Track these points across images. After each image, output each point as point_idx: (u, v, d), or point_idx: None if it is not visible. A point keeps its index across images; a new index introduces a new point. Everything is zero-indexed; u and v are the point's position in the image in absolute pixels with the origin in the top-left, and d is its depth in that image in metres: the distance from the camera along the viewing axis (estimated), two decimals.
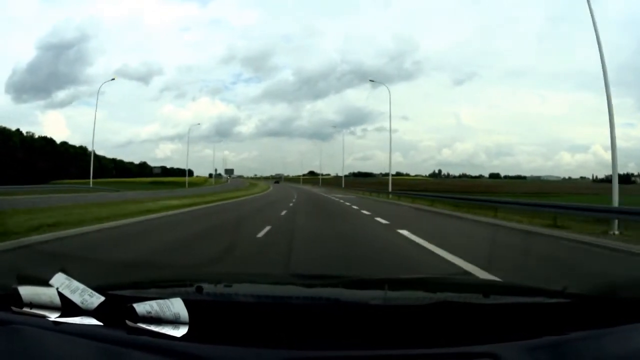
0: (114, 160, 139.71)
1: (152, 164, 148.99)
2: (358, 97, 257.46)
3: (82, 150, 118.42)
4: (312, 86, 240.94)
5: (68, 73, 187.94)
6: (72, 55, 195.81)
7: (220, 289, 1.93)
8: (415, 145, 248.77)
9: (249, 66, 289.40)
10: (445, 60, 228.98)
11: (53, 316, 1.22)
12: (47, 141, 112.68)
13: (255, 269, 5.90)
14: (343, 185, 70.90)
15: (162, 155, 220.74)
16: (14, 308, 1.27)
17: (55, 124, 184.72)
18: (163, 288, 1.80)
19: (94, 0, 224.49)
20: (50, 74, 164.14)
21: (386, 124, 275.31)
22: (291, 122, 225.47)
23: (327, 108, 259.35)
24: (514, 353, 1.12)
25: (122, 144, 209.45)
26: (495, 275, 5.12)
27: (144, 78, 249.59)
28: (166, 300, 1.17)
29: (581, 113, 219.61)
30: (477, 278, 4.95)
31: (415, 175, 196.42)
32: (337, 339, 1.17)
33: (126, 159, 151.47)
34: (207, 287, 1.74)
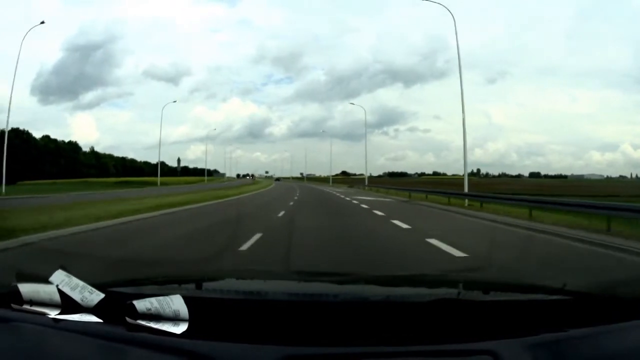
0: (123, 159, 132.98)
1: (182, 164, 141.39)
2: (390, 96, 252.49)
3: (69, 146, 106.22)
4: (344, 86, 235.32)
5: (95, 74, 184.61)
6: (99, 56, 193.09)
7: (220, 285, 1.92)
8: (447, 145, 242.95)
9: (279, 66, 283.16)
10: (477, 58, 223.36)
11: (53, 313, 1.22)
12: (16, 133, 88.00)
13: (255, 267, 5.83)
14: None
15: (193, 156, 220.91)
16: (13, 305, 1.27)
17: (84, 125, 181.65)
18: (163, 285, 1.81)
19: (120, 1, 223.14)
20: (77, 76, 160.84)
21: (418, 124, 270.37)
22: (323, 123, 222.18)
23: (359, 108, 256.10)
24: (513, 350, 1.11)
25: (152, 146, 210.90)
26: (495, 273, 5.11)
27: (173, 79, 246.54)
28: (166, 297, 1.17)
29: (609, 111, 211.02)
30: (477, 275, 4.91)
31: (453, 175, 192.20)
32: (337, 335, 1.16)
33: (153, 160, 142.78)
34: (206, 284, 1.74)
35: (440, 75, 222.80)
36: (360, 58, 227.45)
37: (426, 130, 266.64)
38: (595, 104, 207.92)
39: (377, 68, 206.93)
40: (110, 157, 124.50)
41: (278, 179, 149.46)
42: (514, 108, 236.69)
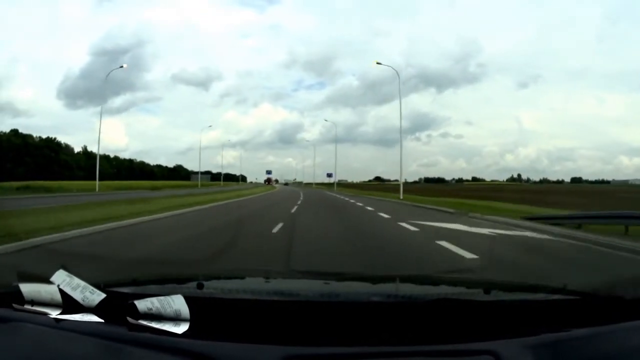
0: (130, 160, 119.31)
1: (214, 170, 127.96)
2: (422, 101, 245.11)
3: (45, 143, 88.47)
4: (376, 91, 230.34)
5: (124, 79, 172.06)
6: (128, 60, 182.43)
7: (221, 285, 1.91)
8: (479, 150, 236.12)
9: (310, 71, 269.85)
10: (509, 62, 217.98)
11: (54, 313, 1.22)
12: None
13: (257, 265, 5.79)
14: None
15: (224, 161, 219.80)
16: (15, 305, 1.27)
17: (113, 131, 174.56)
18: (164, 285, 1.81)
19: (148, 5, 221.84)
20: (105, 80, 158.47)
21: (451, 130, 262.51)
22: (355, 128, 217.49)
23: (392, 113, 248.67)
24: (514, 350, 1.11)
25: (182, 151, 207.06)
26: (497, 274, 5.04)
27: (203, 83, 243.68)
28: (167, 297, 1.16)
29: (638, 115, 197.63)
30: (478, 275, 4.87)
31: (492, 181, 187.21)
32: (338, 335, 1.16)
33: (185, 166, 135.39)
34: (208, 284, 1.73)
35: (472, 79, 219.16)
36: (393, 62, 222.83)
37: (458, 136, 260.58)
38: (624, 107, 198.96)
39: (410, 72, 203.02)
40: (107, 158, 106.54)
41: (287, 184, 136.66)
42: (544, 112, 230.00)
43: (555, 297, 1.48)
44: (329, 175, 72.67)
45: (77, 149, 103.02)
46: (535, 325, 1.22)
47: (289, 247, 7.28)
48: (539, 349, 1.13)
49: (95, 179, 42.77)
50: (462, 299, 1.44)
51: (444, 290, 1.89)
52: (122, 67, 47.97)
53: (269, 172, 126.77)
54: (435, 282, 2.23)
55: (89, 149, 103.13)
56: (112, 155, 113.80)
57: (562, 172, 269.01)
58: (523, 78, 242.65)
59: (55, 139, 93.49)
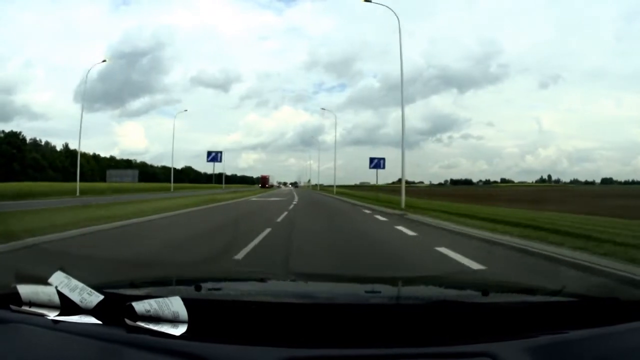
0: (128, 161, 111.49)
1: (231, 172, 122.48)
2: (444, 103, 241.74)
3: (5, 139, 75.03)
4: (398, 92, 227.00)
5: (142, 81, 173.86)
6: (146, 63, 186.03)
7: (219, 287, 1.91)
8: (499, 152, 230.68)
9: (331, 73, 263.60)
10: (530, 63, 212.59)
11: (52, 315, 1.21)
12: None
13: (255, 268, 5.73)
14: None
15: (244, 164, 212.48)
16: (12, 307, 1.27)
17: (132, 134, 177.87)
18: (162, 286, 1.80)
19: (167, 8, 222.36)
20: (124, 83, 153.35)
21: (472, 131, 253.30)
22: (376, 130, 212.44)
23: (413, 115, 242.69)
24: (512, 352, 1.12)
25: (200, 154, 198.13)
26: (496, 274, 5.08)
27: (222, 86, 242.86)
28: (165, 299, 1.16)
29: None
30: (476, 277, 4.87)
31: (520, 182, 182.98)
32: (336, 337, 1.16)
33: (202, 169, 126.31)
34: (205, 286, 1.72)
35: (494, 79, 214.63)
36: (414, 63, 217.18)
37: (479, 137, 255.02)
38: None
39: (431, 73, 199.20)
40: (95, 158, 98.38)
41: (296, 185, 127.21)
42: (565, 113, 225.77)
43: (553, 299, 1.49)
44: (375, 164, 26.25)
45: (87, 150, 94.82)
46: (533, 327, 1.23)
47: (287, 252, 7.36)
48: (537, 350, 1.13)
49: (75, 180, 34.51)
50: (460, 301, 1.45)
51: (442, 292, 1.90)
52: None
53: (212, 157, 46.26)
54: (433, 284, 2.24)
55: (94, 151, 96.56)
56: (107, 156, 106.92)
57: (583, 172, 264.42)
58: (543, 78, 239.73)
59: (20, 133, 79.43)
